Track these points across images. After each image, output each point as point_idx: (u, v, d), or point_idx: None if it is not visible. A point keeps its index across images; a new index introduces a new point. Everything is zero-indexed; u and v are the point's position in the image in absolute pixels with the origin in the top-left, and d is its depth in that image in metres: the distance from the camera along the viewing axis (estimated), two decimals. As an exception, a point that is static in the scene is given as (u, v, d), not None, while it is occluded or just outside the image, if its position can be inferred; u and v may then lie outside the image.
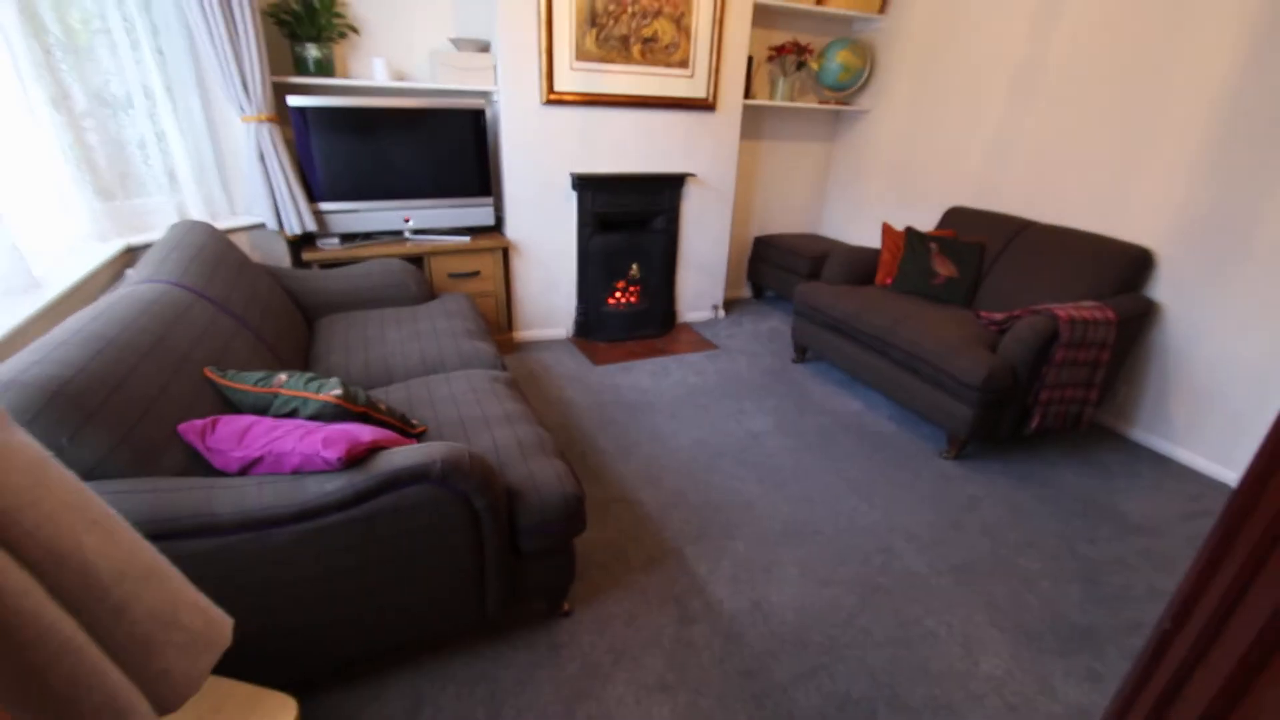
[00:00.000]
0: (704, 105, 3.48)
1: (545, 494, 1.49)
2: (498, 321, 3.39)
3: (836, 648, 1.67)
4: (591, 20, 3.06)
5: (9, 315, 1.50)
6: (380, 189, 3.01)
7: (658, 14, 3.18)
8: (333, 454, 1.22)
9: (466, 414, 1.78)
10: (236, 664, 1.07)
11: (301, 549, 1.22)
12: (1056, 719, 1.52)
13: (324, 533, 1.23)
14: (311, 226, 2.82)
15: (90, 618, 0.56)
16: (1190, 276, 2.59)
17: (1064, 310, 2.37)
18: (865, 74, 3.98)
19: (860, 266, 3.36)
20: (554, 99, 3.12)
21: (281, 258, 2.93)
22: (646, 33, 3.19)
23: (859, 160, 4.28)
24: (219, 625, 0.71)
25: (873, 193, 4.21)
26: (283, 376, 1.52)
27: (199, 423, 1.33)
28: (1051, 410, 2.47)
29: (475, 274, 3.21)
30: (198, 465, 1.31)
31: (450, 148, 3.08)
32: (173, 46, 2.45)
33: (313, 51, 2.77)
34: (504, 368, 2.23)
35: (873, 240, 4.06)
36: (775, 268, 4.23)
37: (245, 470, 1.27)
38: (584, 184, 3.33)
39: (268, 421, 1.36)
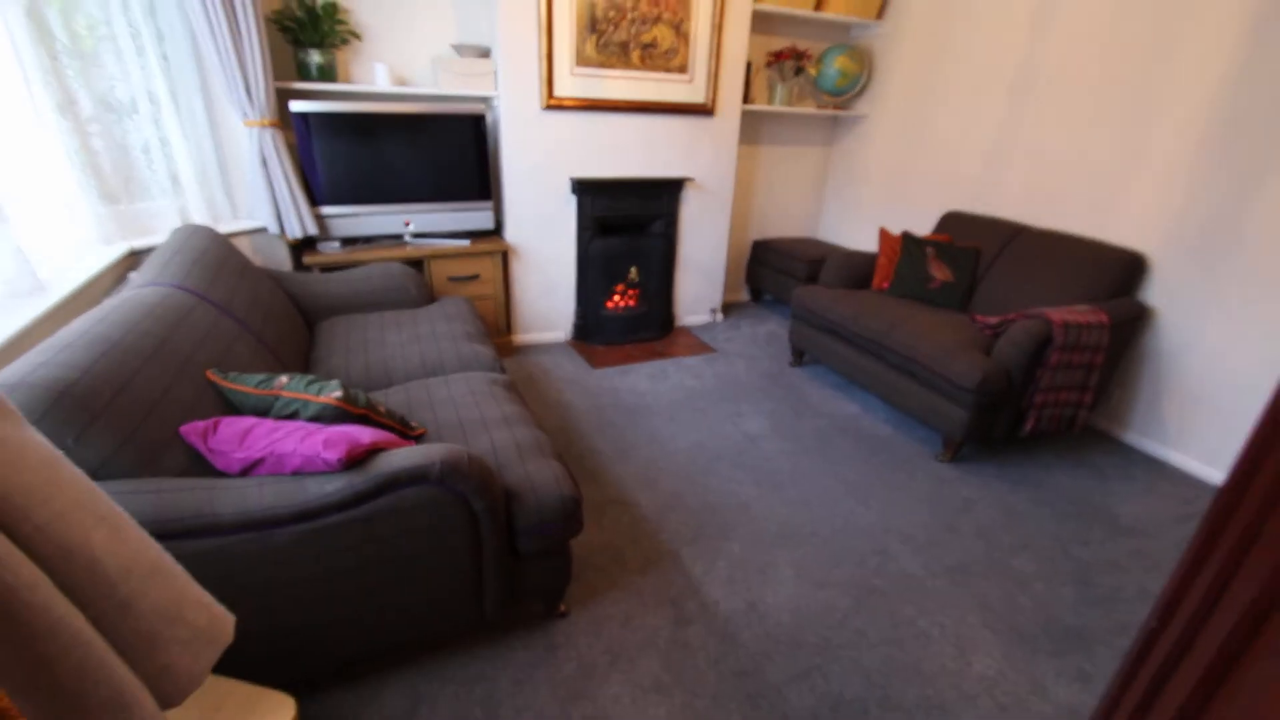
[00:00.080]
0: (703, 110, 3.51)
1: (543, 496, 1.51)
2: (497, 325, 3.41)
3: (831, 648, 1.69)
4: (591, 26, 3.09)
5: (15, 318, 1.53)
6: (381, 193, 3.03)
7: (657, 20, 3.20)
8: (333, 455, 1.24)
9: (465, 416, 1.80)
10: (236, 663, 1.09)
11: (302, 549, 1.24)
12: (1047, 719, 1.53)
13: (324, 533, 1.24)
14: (313, 230, 2.84)
15: (97, 612, 0.58)
16: (1183, 281, 2.61)
17: (1058, 314, 2.39)
18: (863, 79, 4.01)
19: (857, 270, 3.38)
20: (554, 104, 3.15)
21: (283, 261, 2.95)
22: (646, 38, 3.22)
23: (856, 165, 4.31)
24: (221, 622, 0.73)
25: (870, 197, 4.24)
26: (284, 379, 1.55)
27: (201, 424, 1.35)
28: (1046, 413, 2.49)
29: (475, 277, 3.24)
30: (199, 466, 1.33)
31: (451, 152, 3.10)
32: (177, 52, 2.48)
33: (315, 57, 2.80)
34: (503, 371, 2.25)
35: (870, 244, 4.08)
36: (773, 271, 4.25)
37: (246, 471, 1.29)
38: (583, 188, 3.36)
39: (269, 423, 1.38)
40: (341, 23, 2.87)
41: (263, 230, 2.83)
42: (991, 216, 3.32)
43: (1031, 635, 1.77)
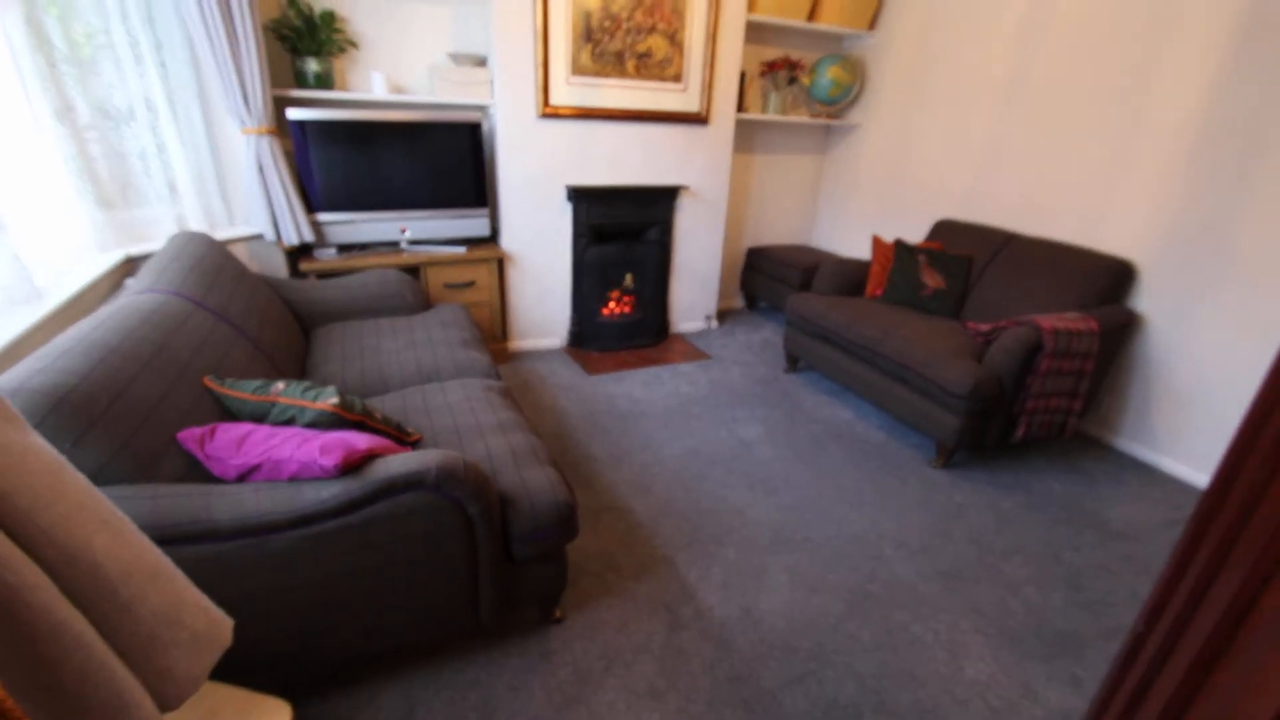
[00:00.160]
0: (697, 119, 3.54)
1: (538, 502, 1.51)
2: (492, 331, 3.42)
3: (825, 653, 1.70)
4: (587, 36, 3.11)
5: (12, 325, 1.53)
6: (377, 200, 3.05)
7: (652, 30, 3.24)
8: (329, 461, 1.24)
9: (461, 422, 1.81)
10: (232, 668, 1.09)
11: (298, 555, 1.25)
12: (1039, 723, 1.55)
13: (320, 539, 1.25)
14: (309, 237, 2.85)
15: (99, 615, 0.58)
16: (1171, 288, 2.64)
17: (1048, 321, 2.42)
18: (855, 89, 4.05)
19: (851, 278, 3.41)
20: (550, 112, 3.17)
21: (279, 268, 2.96)
22: (641, 48, 3.25)
23: (849, 173, 4.35)
24: (220, 625, 0.74)
25: (863, 205, 4.27)
26: (280, 385, 1.55)
27: (198, 430, 1.36)
28: (1037, 419, 2.51)
29: (471, 284, 3.25)
30: (196, 472, 1.34)
31: (447, 160, 3.12)
32: (175, 60, 2.49)
33: (313, 65, 2.82)
34: (498, 377, 2.26)
35: (863, 252, 4.12)
36: (768, 279, 4.28)
37: (243, 477, 1.30)
38: (579, 196, 3.38)
39: (265, 429, 1.39)
40: (339, 31, 2.89)
41: (259, 237, 2.83)
42: (983, 224, 3.36)
43: (1023, 639, 1.78)
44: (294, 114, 2.74)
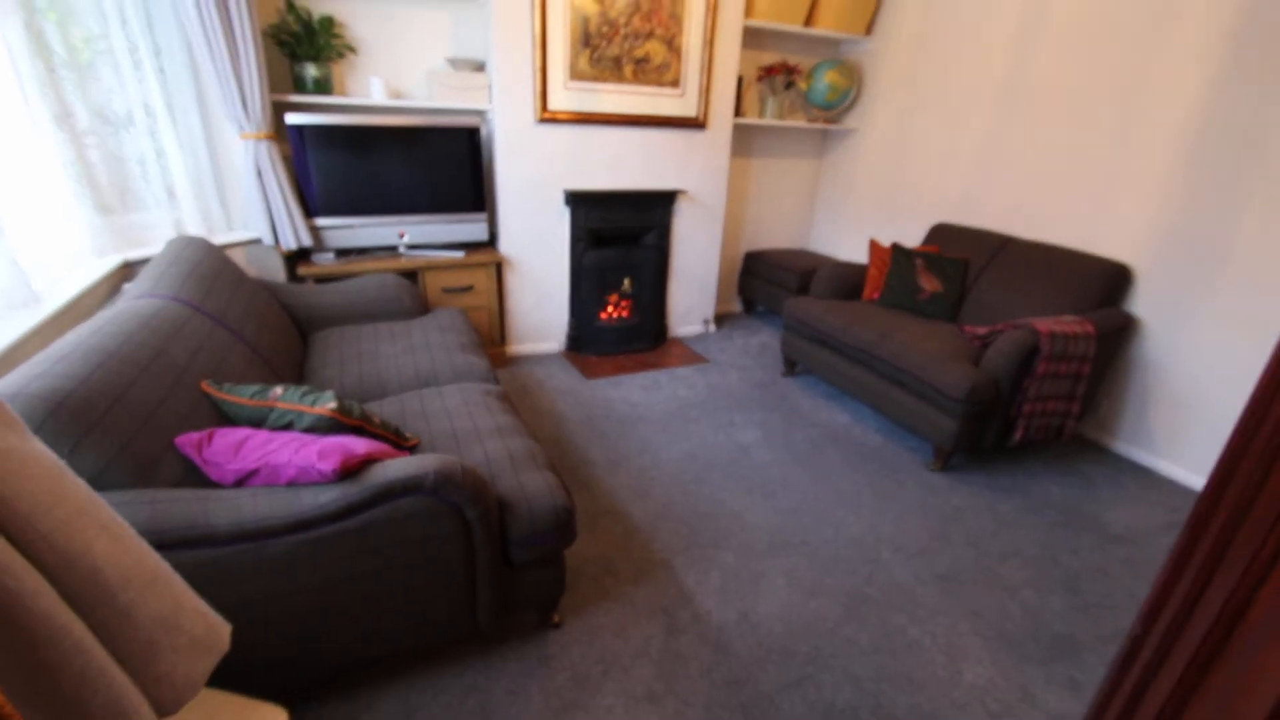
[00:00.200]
0: (695, 124, 3.55)
1: (536, 505, 1.52)
2: (490, 335, 3.42)
3: (822, 657, 1.70)
4: (585, 41, 3.13)
5: (10, 329, 1.53)
6: (375, 205, 3.05)
7: (650, 35, 3.25)
8: (328, 466, 1.25)
9: (459, 427, 1.81)
10: (229, 673, 1.09)
11: (296, 560, 1.25)
12: (1037, 726, 1.55)
13: (318, 544, 1.25)
14: (307, 242, 2.86)
15: (98, 620, 0.59)
16: (1167, 291, 2.66)
17: (1044, 324, 2.43)
18: (852, 94, 4.07)
19: (848, 282, 3.42)
20: (548, 117, 3.18)
21: (277, 272, 2.96)
22: (639, 53, 3.27)
23: (846, 177, 4.36)
24: (218, 630, 0.74)
25: (860, 209, 4.29)
26: (278, 390, 1.55)
27: (195, 435, 1.36)
28: (1034, 422, 2.52)
29: (469, 289, 3.25)
30: (194, 477, 1.34)
31: (445, 164, 3.13)
32: (174, 66, 2.50)
33: (311, 71, 2.83)
34: (496, 381, 2.26)
35: (860, 256, 4.13)
36: (765, 283, 4.29)
37: (241, 482, 1.30)
38: (577, 200, 3.39)
39: (263, 434, 1.39)
40: (338, 37, 2.90)
41: (257, 241, 2.83)
42: (979, 228, 3.37)
43: (1021, 643, 1.78)
44: (292, 119, 2.74)
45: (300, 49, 2.79)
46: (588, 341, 3.72)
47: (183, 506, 1.17)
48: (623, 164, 3.49)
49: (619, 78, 3.27)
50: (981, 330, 2.67)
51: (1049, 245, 3.00)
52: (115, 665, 0.60)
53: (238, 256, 2.79)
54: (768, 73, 3.91)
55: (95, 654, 0.57)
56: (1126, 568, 2.12)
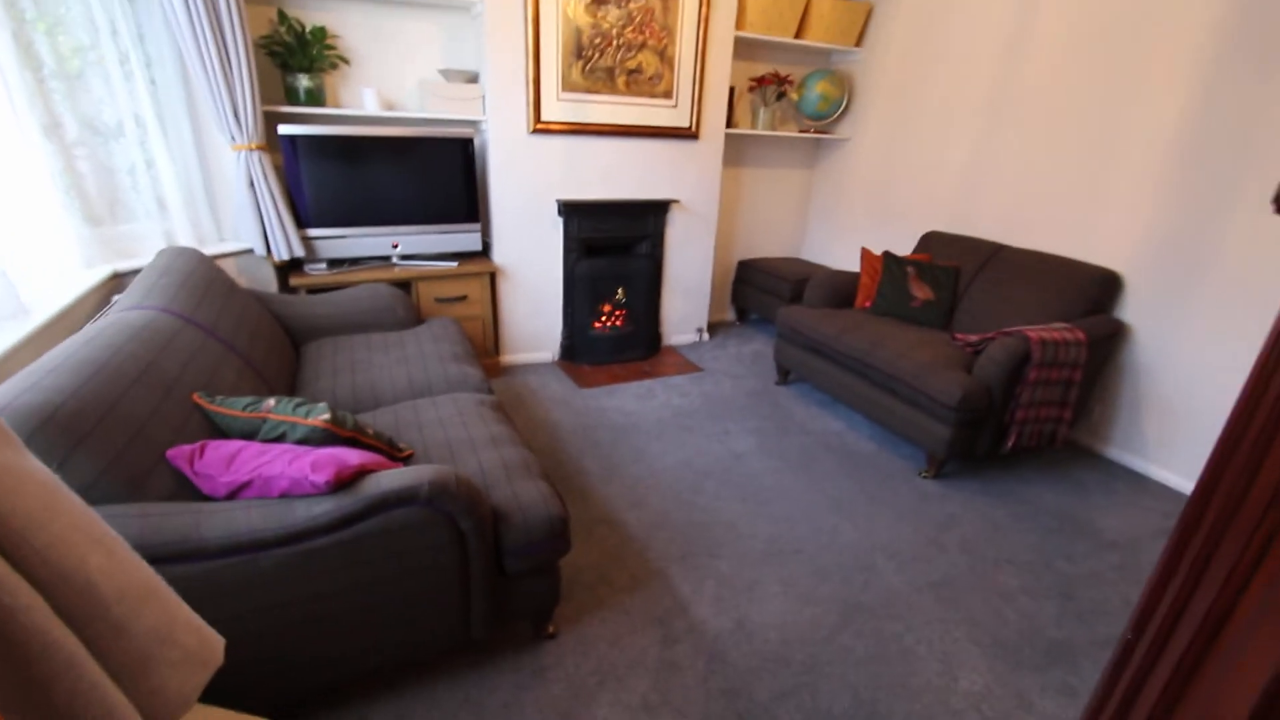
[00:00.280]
0: (687, 134, 3.57)
1: (530, 515, 1.51)
2: (484, 345, 3.42)
3: (818, 665, 1.70)
4: (578, 53, 3.15)
5: (-2, 342, 1.52)
6: (368, 215, 3.05)
7: (642, 47, 3.28)
8: (321, 477, 1.24)
9: (453, 437, 1.80)
10: (221, 687, 1.08)
11: (289, 572, 1.24)
12: (1033, 733, 1.55)
13: (312, 556, 1.24)
14: (299, 252, 2.85)
15: (92, 634, 0.58)
16: (1156, 298, 2.69)
17: (1035, 332, 2.45)
18: (843, 103, 4.11)
19: (840, 290, 3.44)
20: (541, 128, 3.20)
21: (268, 283, 2.95)
22: (631, 65, 3.29)
23: (838, 186, 4.40)
24: (212, 644, 0.73)
25: (852, 218, 4.32)
26: (271, 401, 1.55)
27: (187, 448, 1.35)
28: (1027, 429, 2.54)
29: (462, 299, 3.25)
30: (186, 490, 1.32)
31: (438, 175, 3.13)
32: (165, 76, 2.50)
33: (304, 82, 2.83)
34: (490, 391, 2.26)
35: (852, 264, 4.15)
36: (758, 291, 4.31)
37: (233, 495, 1.29)
38: (570, 210, 3.40)
39: (256, 446, 1.38)
40: (330, 48, 2.90)
41: (249, 252, 2.83)
42: (970, 236, 3.40)
43: (1016, 649, 1.79)
44: (285, 129, 2.74)
45: (292, 60, 2.79)
46: (582, 351, 3.72)
47: (174, 520, 1.16)
48: (616, 174, 3.50)
49: (612, 89, 3.29)
50: (973, 338, 2.69)
51: (1039, 253, 3.03)
52: (109, 680, 0.59)
53: (229, 267, 2.78)
54: (759, 83, 3.95)
55: (88, 668, 0.57)
56: (1120, 573, 2.13)
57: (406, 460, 1.68)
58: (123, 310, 1.67)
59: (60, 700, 0.54)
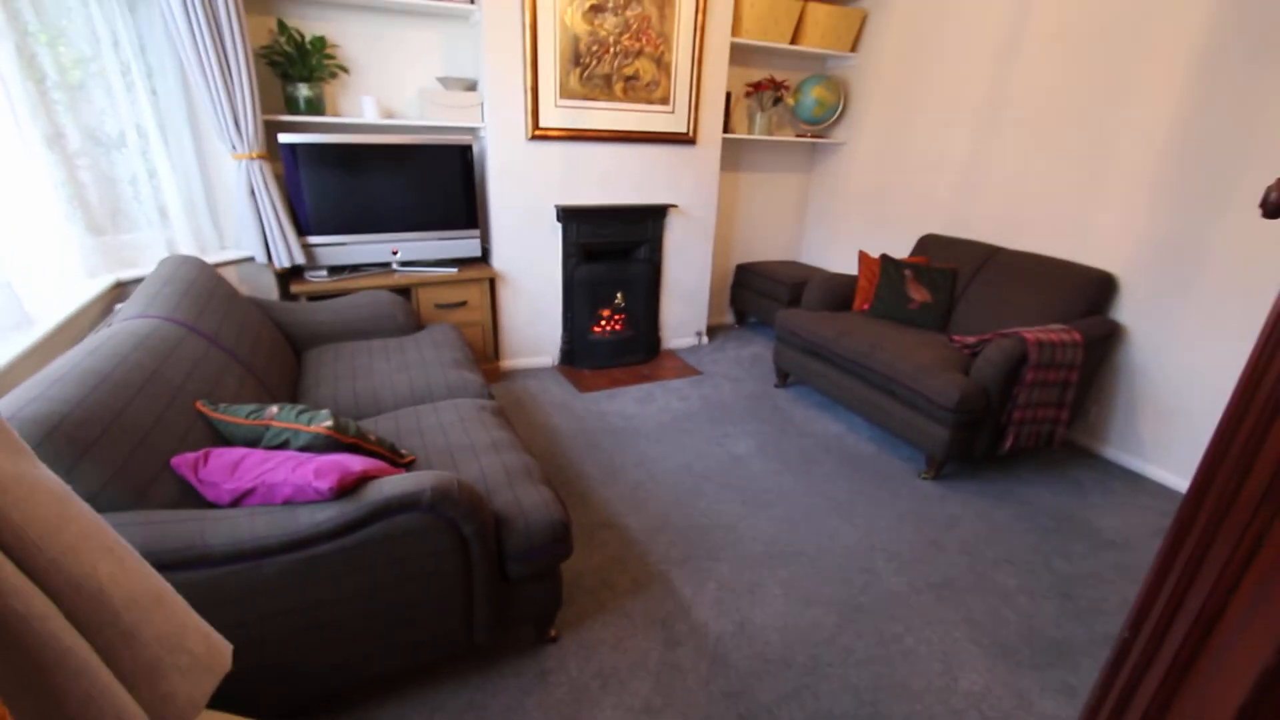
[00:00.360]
0: (685, 139, 3.60)
1: (532, 520, 1.52)
2: (484, 351, 3.43)
3: (819, 667, 1.70)
4: (575, 60, 3.17)
5: (3, 351, 1.53)
6: (368, 222, 3.07)
7: (639, 54, 3.30)
8: (324, 484, 1.25)
9: (454, 442, 1.81)
10: (225, 693, 1.09)
11: (293, 579, 1.25)
12: (1034, 732, 1.56)
13: (316, 562, 1.25)
14: (300, 260, 2.86)
15: (103, 641, 0.59)
16: (1151, 299, 2.70)
17: (1032, 333, 2.46)
18: (839, 108, 4.14)
19: (838, 293, 3.45)
20: (539, 134, 3.22)
21: (269, 290, 2.96)
22: (628, 71, 3.31)
23: (835, 190, 4.42)
24: (220, 650, 0.75)
25: (849, 221, 4.34)
26: (274, 409, 1.56)
27: (191, 456, 1.36)
28: (1024, 430, 2.55)
29: (462, 304, 3.26)
30: (190, 498, 1.33)
31: (438, 182, 3.15)
32: (166, 87, 2.52)
33: (304, 91, 2.85)
34: (491, 396, 2.27)
35: (850, 267, 4.17)
36: (757, 294, 4.33)
37: (237, 502, 1.30)
38: (569, 216, 3.42)
39: (259, 453, 1.39)
40: (330, 57, 2.93)
41: (250, 260, 2.84)
42: (967, 239, 3.42)
43: (1016, 649, 1.80)
44: (285, 138, 2.76)
45: (292, 69, 2.81)
46: (581, 355, 3.73)
47: (179, 527, 1.17)
48: (614, 180, 3.52)
49: (609, 95, 3.31)
50: (970, 340, 2.70)
51: (1035, 255, 3.05)
52: (120, 686, 0.61)
53: (230, 275, 2.79)
54: (756, 88, 3.97)
55: (100, 675, 0.58)
56: (1119, 572, 2.14)
57: (408, 466, 1.69)
58: (126, 319, 1.68)
59: (73, 708, 0.55)
